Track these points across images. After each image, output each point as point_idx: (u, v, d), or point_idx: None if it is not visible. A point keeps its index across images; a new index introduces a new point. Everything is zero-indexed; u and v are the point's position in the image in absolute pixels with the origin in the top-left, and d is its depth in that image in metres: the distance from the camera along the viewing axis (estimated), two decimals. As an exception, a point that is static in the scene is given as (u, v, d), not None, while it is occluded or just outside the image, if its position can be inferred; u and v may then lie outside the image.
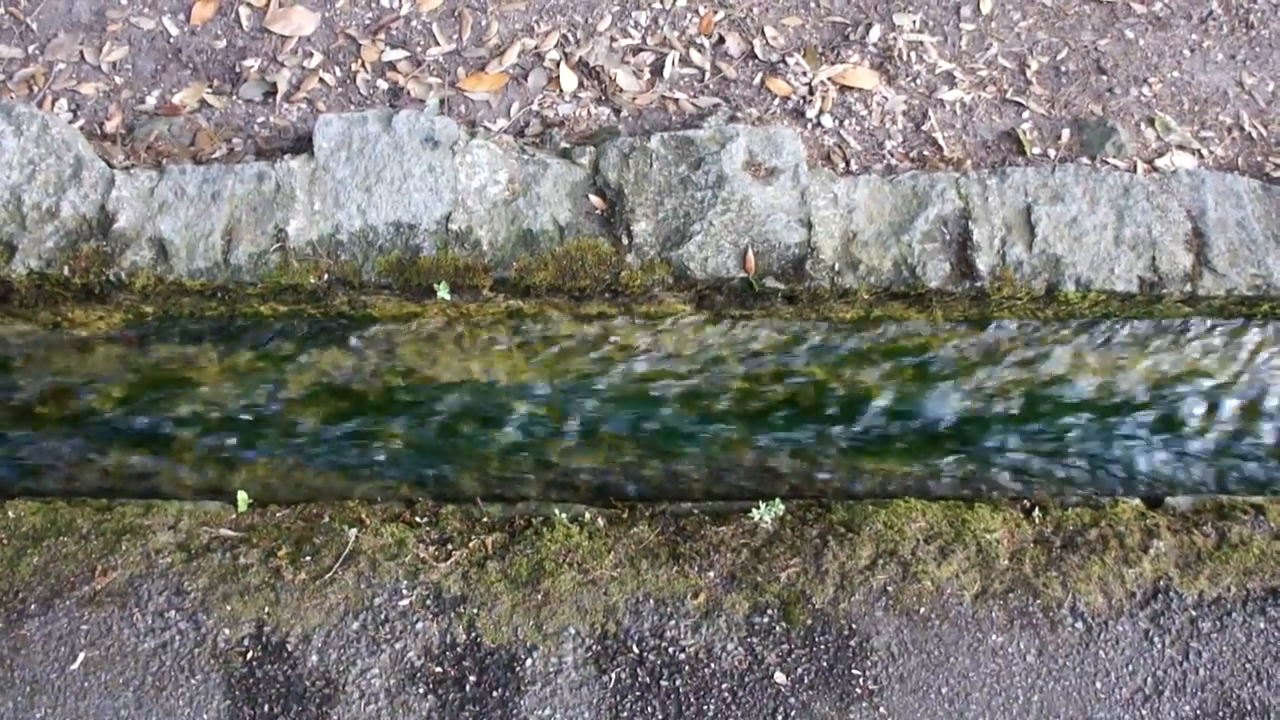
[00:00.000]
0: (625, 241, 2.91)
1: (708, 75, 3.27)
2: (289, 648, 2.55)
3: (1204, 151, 3.20)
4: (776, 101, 3.22)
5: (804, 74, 3.25)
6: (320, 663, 2.54)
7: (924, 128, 3.20)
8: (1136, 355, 3.13)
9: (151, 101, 3.24)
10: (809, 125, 3.20)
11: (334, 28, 3.32)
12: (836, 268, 2.91)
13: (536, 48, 3.29)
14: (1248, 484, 3.05)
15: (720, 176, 2.94)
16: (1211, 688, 2.55)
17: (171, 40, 3.30)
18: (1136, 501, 2.81)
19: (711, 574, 2.63)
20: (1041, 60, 3.31)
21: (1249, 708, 2.53)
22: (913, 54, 3.29)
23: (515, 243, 2.92)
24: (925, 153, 3.17)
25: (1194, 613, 2.61)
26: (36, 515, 2.72)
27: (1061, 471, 3.05)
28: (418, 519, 2.75)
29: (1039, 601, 2.61)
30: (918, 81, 3.26)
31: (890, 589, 2.61)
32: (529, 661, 2.54)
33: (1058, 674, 2.55)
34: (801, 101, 3.22)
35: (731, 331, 3.12)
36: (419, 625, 2.57)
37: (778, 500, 2.75)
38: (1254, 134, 3.24)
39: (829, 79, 3.24)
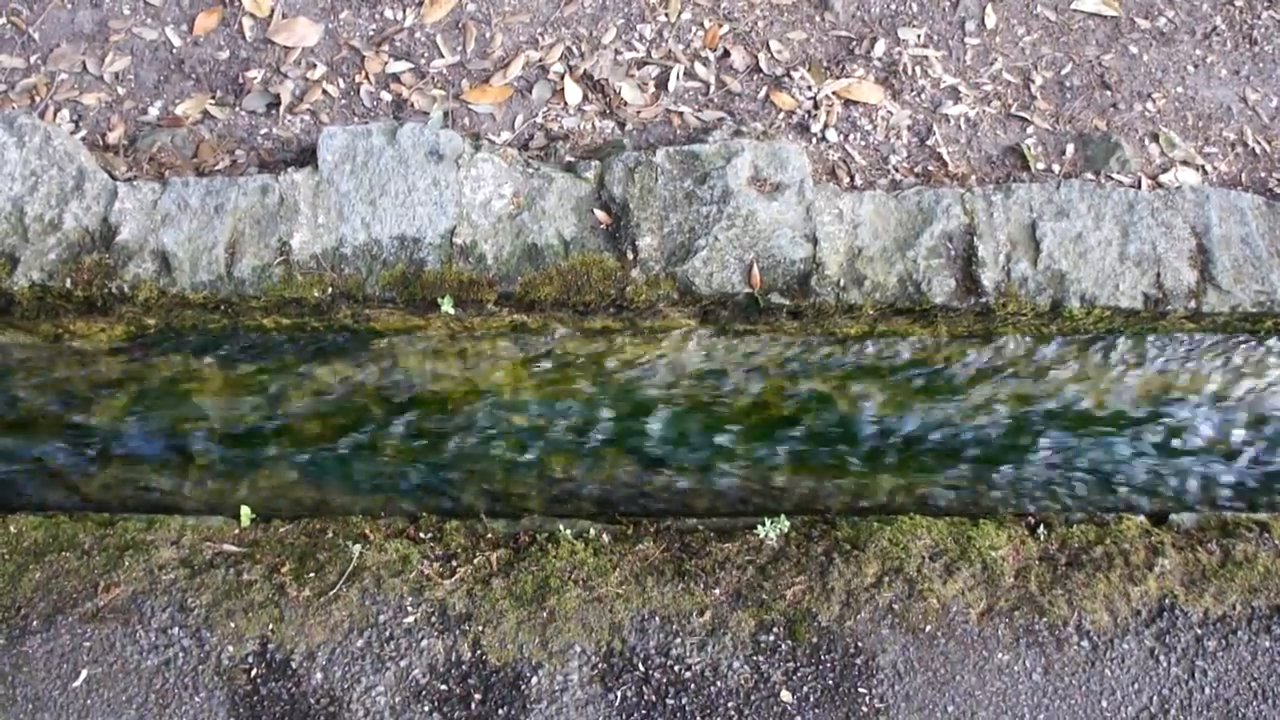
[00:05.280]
0: (630, 256, 2.90)
1: (712, 89, 3.27)
2: (293, 665, 2.54)
3: (1208, 167, 3.20)
4: (781, 115, 3.22)
5: (809, 88, 3.24)
6: (325, 680, 2.53)
7: (929, 143, 3.20)
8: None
9: (154, 112, 3.22)
10: (814, 140, 3.19)
11: (337, 39, 3.31)
12: (841, 283, 2.91)
13: (541, 60, 3.29)
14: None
15: (725, 191, 2.93)
16: (1217, 707, 2.55)
17: (174, 51, 3.29)
18: (1141, 518, 2.81)
19: (717, 591, 2.62)
20: (1046, 75, 3.31)
21: (1255, 727, 2.54)
22: (917, 68, 3.28)
23: (520, 257, 2.91)
24: (930, 168, 3.17)
25: (1199, 631, 2.61)
26: (38, 530, 2.71)
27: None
28: (422, 535, 2.74)
29: (1045, 619, 2.61)
30: (922, 96, 3.26)
31: (896, 606, 2.61)
32: (534, 679, 2.53)
33: (1064, 693, 2.55)
34: (806, 116, 3.22)
35: (736, 346, 3.12)
36: (424, 643, 2.56)
37: (783, 517, 2.74)
38: (1257, 150, 3.24)
39: (834, 93, 3.24)
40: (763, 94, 3.26)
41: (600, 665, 2.55)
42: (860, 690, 2.54)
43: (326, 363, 3.09)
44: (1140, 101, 3.28)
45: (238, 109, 3.23)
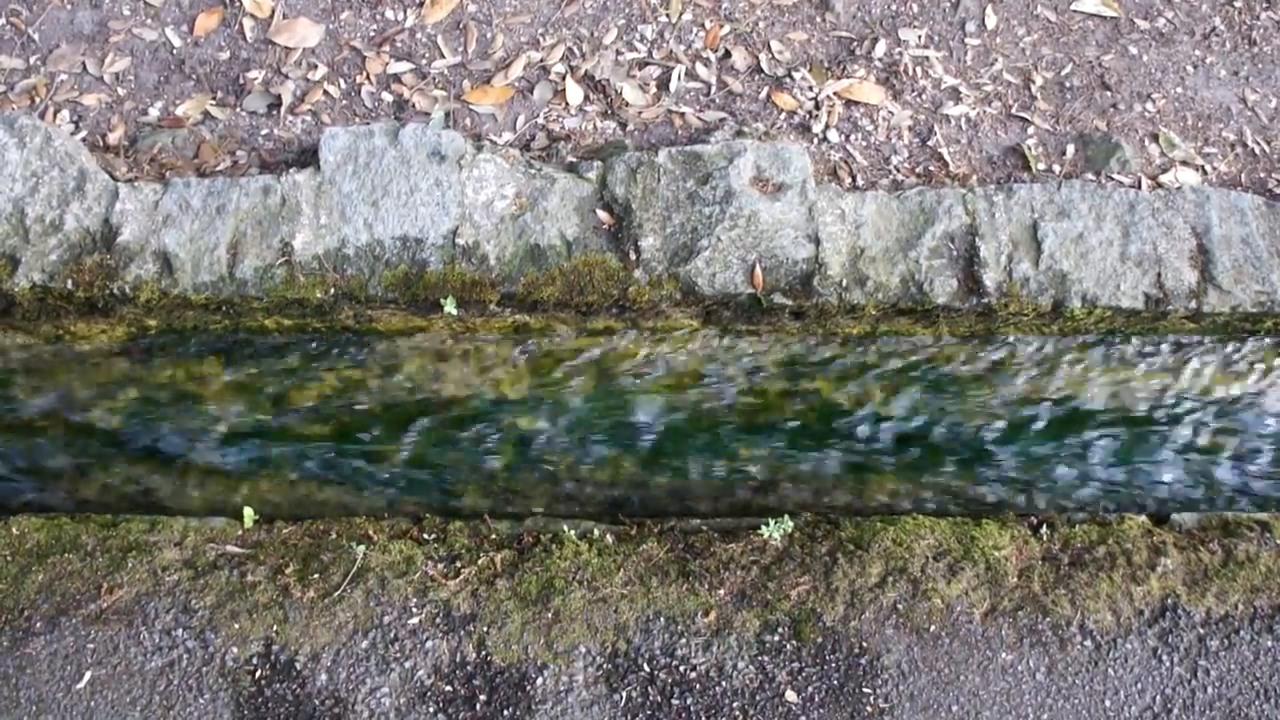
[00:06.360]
0: (633, 257, 2.91)
1: (714, 89, 3.27)
2: (298, 666, 2.54)
3: (1207, 168, 3.21)
4: (783, 116, 3.23)
5: (810, 89, 3.25)
6: (329, 681, 2.53)
7: (930, 143, 3.21)
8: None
9: (154, 113, 3.22)
10: (815, 140, 3.20)
11: (338, 39, 3.31)
12: (844, 284, 2.91)
13: (542, 61, 3.29)
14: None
15: (728, 192, 2.93)
16: (1220, 706, 2.56)
17: (174, 51, 3.28)
18: (1143, 518, 2.82)
19: (722, 591, 2.63)
20: (1046, 76, 3.31)
21: (1258, 726, 2.55)
22: (918, 69, 3.29)
23: (522, 258, 2.91)
24: (931, 168, 3.17)
25: (1202, 630, 2.62)
26: (41, 532, 2.70)
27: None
28: (425, 535, 2.74)
29: (1048, 619, 2.61)
30: (923, 97, 3.27)
31: (900, 607, 2.62)
32: (540, 680, 2.53)
33: (1067, 692, 2.55)
34: (808, 116, 3.22)
35: (738, 346, 3.12)
36: (429, 643, 2.56)
37: (786, 517, 2.75)
38: (1257, 150, 3.25)
39: (835, 94, 3.24)
40: (764, 94, 3.26)
41: (605, 666, 2.55)
42: (865, 690, 2.55)
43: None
44: (1140, 102, 3.29)
45: (239, 110, 3.23)
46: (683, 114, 3.23)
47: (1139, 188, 3.12)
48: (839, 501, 3.03)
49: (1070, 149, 3.22)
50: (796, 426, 3.09)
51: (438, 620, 2.59)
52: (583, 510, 3.00)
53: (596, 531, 2.74)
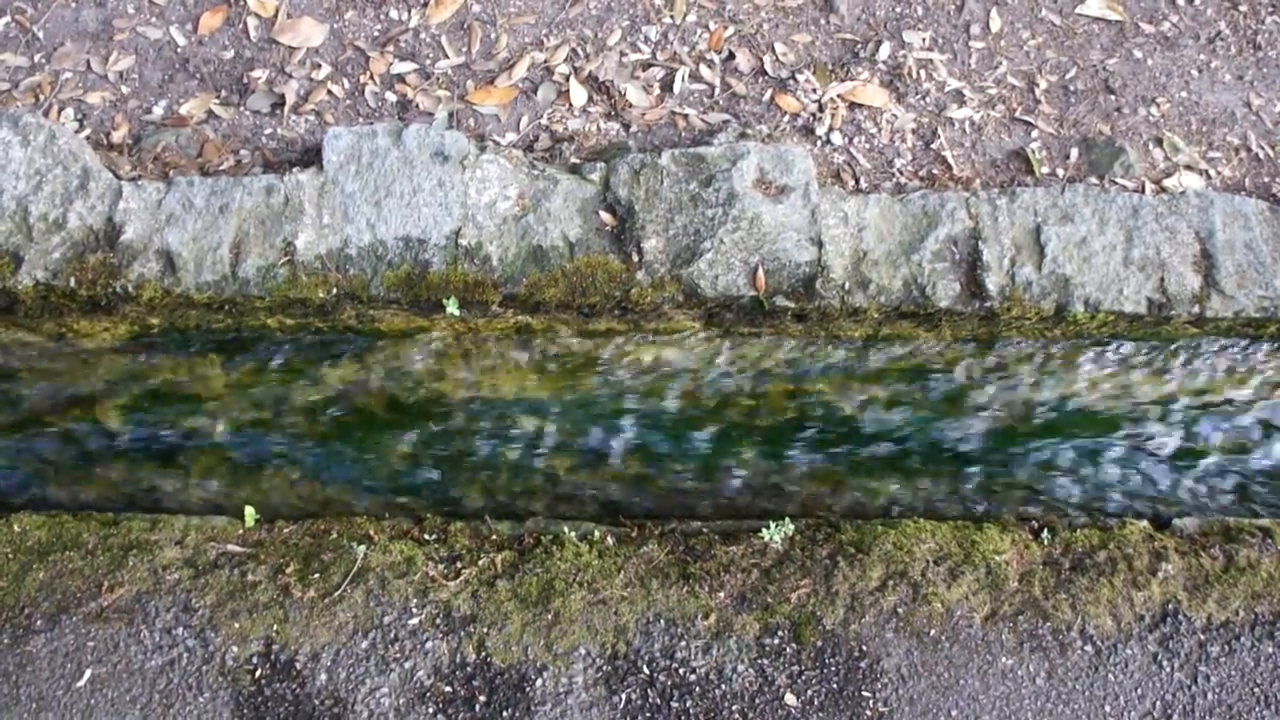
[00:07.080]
0: (635, 259, 2.90)
1: (717, 91, 3.27)
2: (298, 666, 2.54)
3: (1211, 172, 3.21)
4: (786, 118, 3.22)
5: (814, 91, 3.25)
6: (329, 681, 2.53)
7: (933, 146, 3.21)
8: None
9: (158, 112, 3.22)
10: (819, 142, 3.19)
11: (342, 39, 3.31)
12: (846, 286, 2.91)
13: (546, 61, 3.29)
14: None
15: (731, 194, 2.93)
16: (1220, 712, 2.55)
17: (179, 50, 3.29)
18: (1144, 523, 2.82)
19: (722, 594, 2.63)
20: (1050, 79, 3.31)
21: (1258, 733, 2.55)
22: (922, 72, 3.29)
23: (525, 259, 2.91)
24: (934, 171, 3.17)
25: (1202, 636, 2.62)
26: (42, 529, 2.71)
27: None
28: (426, 536, 2.74)
29: (1048, 624, 2.61)
30: (927, 99, 3.26)
31: (900, 610, 2.61)
32: (539, 682, 2.53)
33: (1067, 697, 2.55)
34: (811, 118, 3.22)
35: (740, 348, 3.12)
36: (429, 644, 2.57)
37: (787, 520, 2.75)
38: (1261, 155, 3.25)
39: (839, 96, 3.24)
40: (768, 96, 3.26)
41: (605, 668, 2.55)
42: (864, 694, 2.55)
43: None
44: (1144, 106, 3.29)
45: (242, 109, 3.23)
46: (686, 116, 3.23)
47: (1143, 192, 3.12)
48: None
49: (1074, 153, 3.22)
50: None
51: (438, 621, 2.59)
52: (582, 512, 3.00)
53: (597, 533, 2.74)
